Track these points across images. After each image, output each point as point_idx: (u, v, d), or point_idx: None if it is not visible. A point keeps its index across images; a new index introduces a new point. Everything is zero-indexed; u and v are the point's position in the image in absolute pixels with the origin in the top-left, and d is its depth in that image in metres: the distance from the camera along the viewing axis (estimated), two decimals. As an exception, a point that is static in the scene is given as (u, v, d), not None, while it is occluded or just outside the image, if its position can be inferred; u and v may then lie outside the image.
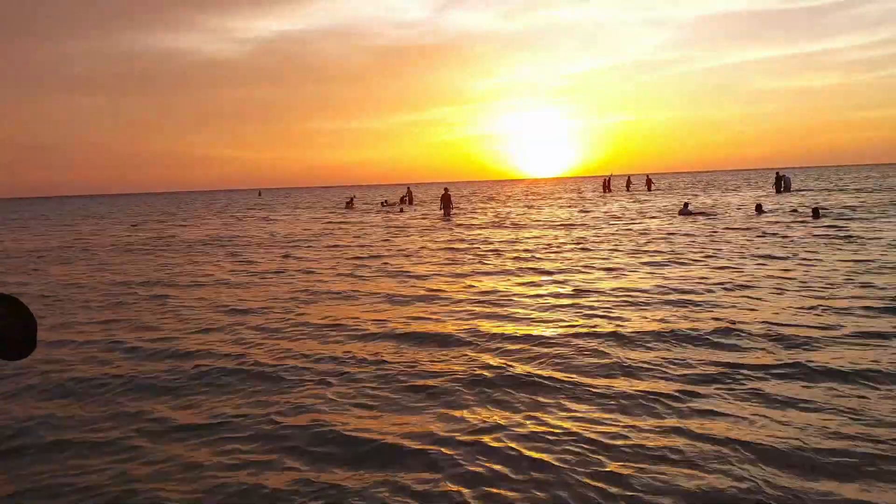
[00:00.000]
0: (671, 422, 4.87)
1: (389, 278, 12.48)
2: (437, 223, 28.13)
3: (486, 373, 6.14)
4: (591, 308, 8.92)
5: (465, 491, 3.98)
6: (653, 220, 24.81)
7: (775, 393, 5.39)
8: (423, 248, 17.91)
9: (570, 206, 37.82)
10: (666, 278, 11.17)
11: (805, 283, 10.16)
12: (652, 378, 5.89)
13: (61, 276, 14.63)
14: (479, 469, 4.25)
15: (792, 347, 6.65)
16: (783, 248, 14.44)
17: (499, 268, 13.36)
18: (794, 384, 5.60)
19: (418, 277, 12.41)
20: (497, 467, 4.26)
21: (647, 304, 9.08)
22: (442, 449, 4.54)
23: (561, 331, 7.70)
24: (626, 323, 7.95)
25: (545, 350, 6.89)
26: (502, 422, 5.01)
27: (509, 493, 3.93)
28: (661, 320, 8.02)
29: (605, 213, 30.54)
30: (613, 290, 10.27)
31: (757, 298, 9.14)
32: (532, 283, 11.32)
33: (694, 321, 7.90)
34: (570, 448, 4.49)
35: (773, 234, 17.61)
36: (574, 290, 10.45)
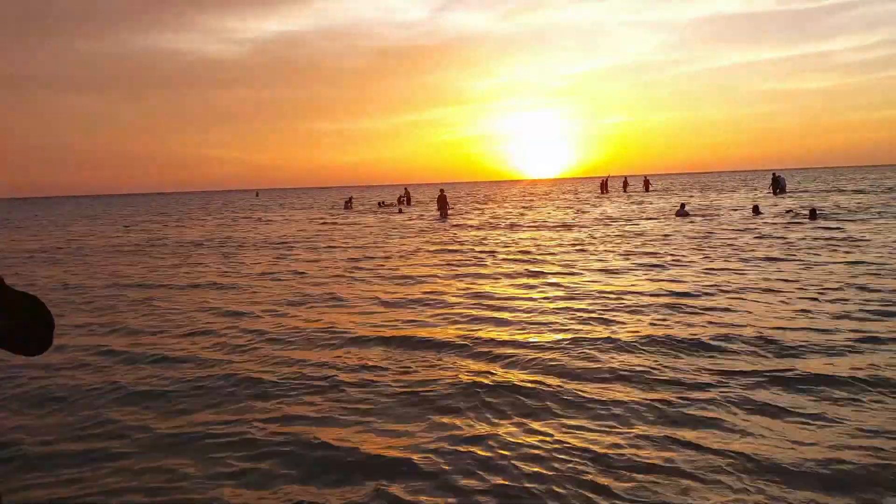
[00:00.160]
0: (663, 430, 4.79)
1: (383, 280, 12.38)
2: (433, 224, 28.06)
3: (478, 379, 6.05)
4: (586, 311, 8.82)
5: (452, 501, 3.91)
6: (649, 221, 24.74)
7: (769, 400, 5.31)
8: (418, 249, 17.81)
9: (567, 207, 37.75)
10: (661, 280, 11.09)
11: (801, 286, 10.08)
12: (645, 385, 5.80)
13: (49, 277, 14.49)
14: (470, 480, 4.16)
15: (786, 353, 6.57)
16: (780, 250, 14.38)
17: (494, 270, 13.27)
18: (789, 391, 5.52)
19: (412, 279, 12.31)
20: (488, 477, 4.19)
21: (642, 307, 8.99)
22: (432, 458, 4.47)
23: (555, 335, 7.60)
24: (620, 327, 7.85)
25: (538, 355, 6.79)
26: (493, 431, 4.93)
27: (498, 506, 3.84)
28: (656, 324, 7.93)
29: (602, 214, 30.48)
30: (608, 292, 10.18)
31: (753, 301, 9.06)
32: (527, 286, 11.22)
33: (689, 325, 7.81)
34: (562, 457, 4.42)
35: (770, 235, 17.55)
36: (569, 292, 10.36)
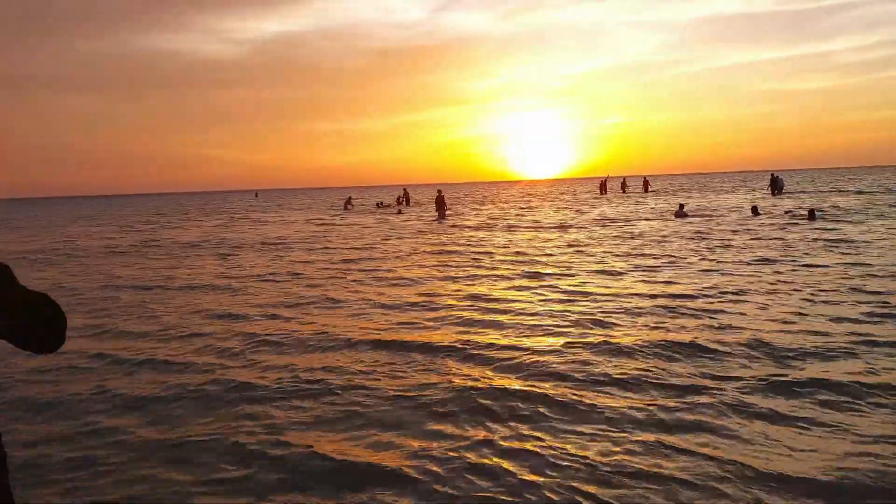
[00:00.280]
0: (658, 436, 4.73)
1: (379, 282, 12.32)
2: (431, 225, 28.00)
3: (472, 384, 6.00)
4: (583, 314, 8.77)
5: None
6: (648, 222, 24.70)
7: (765, 405, 5.26)
8: (415, 250, 17.75)
9: (565, 208, 37.71)
10: (659, 282, 11.04)
11: (799, 287, 10.03)
12: (640, 390, 5.75)
13: (43, 279, 14.41)
14: (464, 486, 4.12)
15: (783, 356, 6.52)
16: (778, 251, 14.34)
17: (491, 271, 13.22)
18: (785, 396, 5.47)
19: (409, 281, 12.25)
20: (481, 484, 4.13)
21: (639, 309, 8.94)
22: (426, 465, 4.42)
23: (551, 339, 7.55)
24: (616, 331, 7.80)
25: (534, 359, 6.74)
26: (488, 436, 4.89)
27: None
28: (653, 328, 7.88)
29: (600, 214, 30.43)
30: (605, 294, 10.13)
31: (750, 303, 9.01)
32: (524, 287, 11.17)
33: (686, 328, 7.77)
34: (556, 463, 4.37)
35: (769, 236, 17.51)
36: (566, 294, 10.31)
